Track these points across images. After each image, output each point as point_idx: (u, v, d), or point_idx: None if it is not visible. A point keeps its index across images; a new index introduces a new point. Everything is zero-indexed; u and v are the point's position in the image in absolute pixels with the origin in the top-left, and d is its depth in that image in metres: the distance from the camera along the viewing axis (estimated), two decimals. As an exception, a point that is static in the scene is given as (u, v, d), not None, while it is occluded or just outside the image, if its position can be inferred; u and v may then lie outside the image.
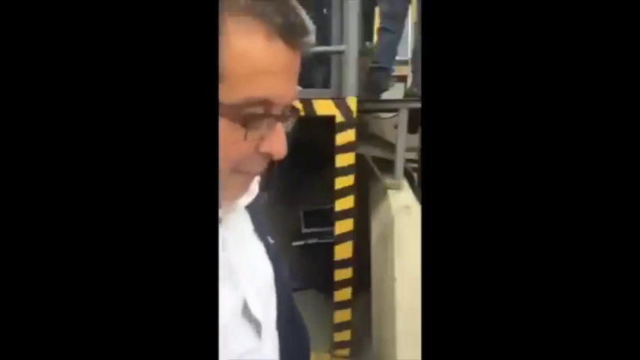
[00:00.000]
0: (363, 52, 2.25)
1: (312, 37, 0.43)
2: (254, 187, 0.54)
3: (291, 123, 0.47)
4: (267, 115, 0.42)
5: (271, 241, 0.61)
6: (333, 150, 1.83)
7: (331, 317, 2.08)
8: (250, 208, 0.56)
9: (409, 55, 2.91)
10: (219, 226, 0.46)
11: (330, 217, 2.00)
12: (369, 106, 2.26)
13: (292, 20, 0.41)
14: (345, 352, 2.11)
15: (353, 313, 2.05)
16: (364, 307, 2.10)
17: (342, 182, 1.86)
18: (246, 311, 0.51)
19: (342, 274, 1.99)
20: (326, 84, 1.95)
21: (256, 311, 0.52)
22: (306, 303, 2.29)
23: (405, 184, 2.04)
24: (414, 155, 2.51)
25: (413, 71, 2.44)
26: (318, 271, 2.44)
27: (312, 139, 1.92)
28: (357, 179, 1.87)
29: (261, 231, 0.59)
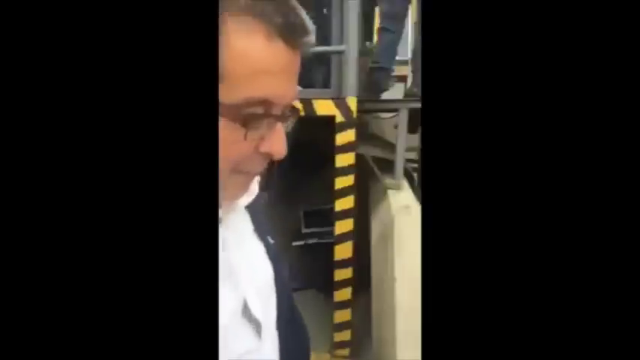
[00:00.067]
0: (363, 52, 2.25)
1: (312, 37, 0.43)
2: (254, 187, 0.54)
3: (291, 123, 0.47)
4: (267, 115, 0.42)
5: (271, 241, 0.61)
6: (333, 150, 1.83)
7: (331, 317, 2.08)
8: (250, 208, 0.56)
9: (409, 55, 2.91)
10: (219, 226, 0.46)
11: (330, 217, 2.00)
12: (369, 106, 2.26)
13: (292, 20, 0.41)
14: (345, 352, 2.11)
15: (353, 313, 2.05)
16: (364, 307, 2.10)
17: (342, 182, 1.86)
18: (246, 311, 0.51)
19: (342, 274, 1.99)
20: (326, 84, 1.95)
21: (256, 311, 0.52)
22: (306, 303, 2.29)
23: (405, 184, 2.04)
24: (414, 155, 2.52)
25: (413, 71, 2.44)
26: (318, 271, 2.44)
27: (312, 139, 1.92)
28: (357, 179, 1.87)
29: (261, 231, 0.59)
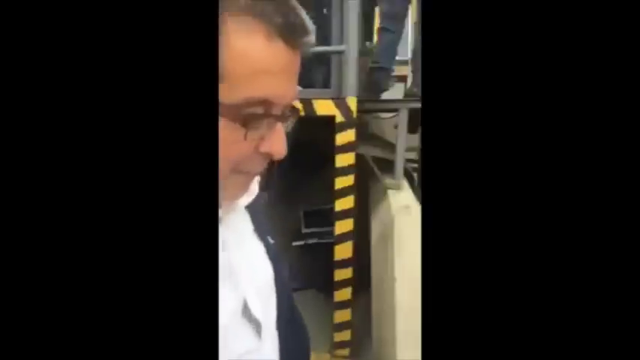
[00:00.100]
0: (363, 52, 2.25)
1: (312, 37, 0.43)
2: (254, 187, 0.54)
3: (291, 123, 0.47)
4: (267, 115, 0.42)
5: (271, 241, 0.61)
6: (333, 150, 1.83)
7: (331, 317, 2.08)
8: (250, 208, 0.56)
9: (409, 55, 2.91)
10: (219, 226, 0.46)
11: (330, 217, 2.00)
12: (369, 106, 2.26)
13: (292, 20, 0.41)
14: (345, 352, 2.11)
15: (353, 313, 2.05)
16: (364, 307, 2.10)
17: (342, 182, 1.86)
18: (246, 311, 0.51)
19: (342, 274, 1.99)
20: (326, 84, 1.95)
21: (256, 311, 0.52)
22: (306, 303, 2.29)
23: (405, 184, 2.04)
24: (414, 155, 2.52)
25: (413, 71, 2.45)
26: (318, 271, 2.44)
27: (312, 139, 1.92)
28: (357, 179, 1.87)
29: (261, 231, 0.59)
